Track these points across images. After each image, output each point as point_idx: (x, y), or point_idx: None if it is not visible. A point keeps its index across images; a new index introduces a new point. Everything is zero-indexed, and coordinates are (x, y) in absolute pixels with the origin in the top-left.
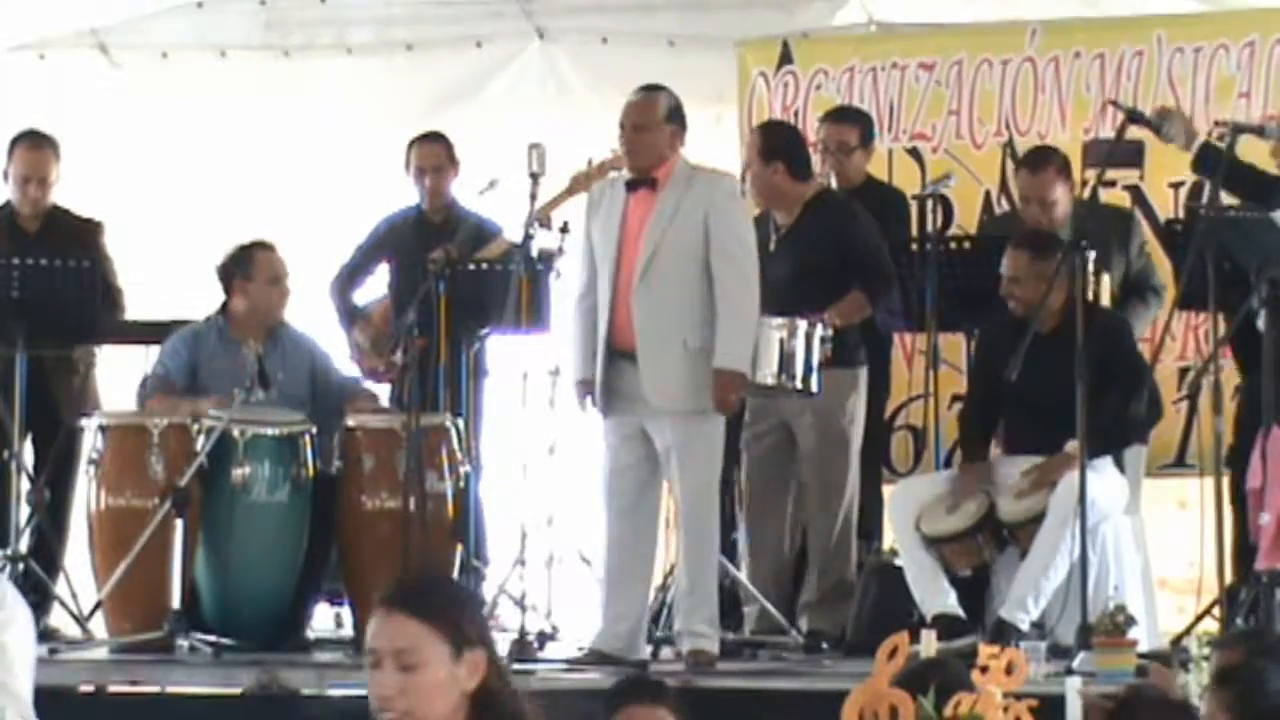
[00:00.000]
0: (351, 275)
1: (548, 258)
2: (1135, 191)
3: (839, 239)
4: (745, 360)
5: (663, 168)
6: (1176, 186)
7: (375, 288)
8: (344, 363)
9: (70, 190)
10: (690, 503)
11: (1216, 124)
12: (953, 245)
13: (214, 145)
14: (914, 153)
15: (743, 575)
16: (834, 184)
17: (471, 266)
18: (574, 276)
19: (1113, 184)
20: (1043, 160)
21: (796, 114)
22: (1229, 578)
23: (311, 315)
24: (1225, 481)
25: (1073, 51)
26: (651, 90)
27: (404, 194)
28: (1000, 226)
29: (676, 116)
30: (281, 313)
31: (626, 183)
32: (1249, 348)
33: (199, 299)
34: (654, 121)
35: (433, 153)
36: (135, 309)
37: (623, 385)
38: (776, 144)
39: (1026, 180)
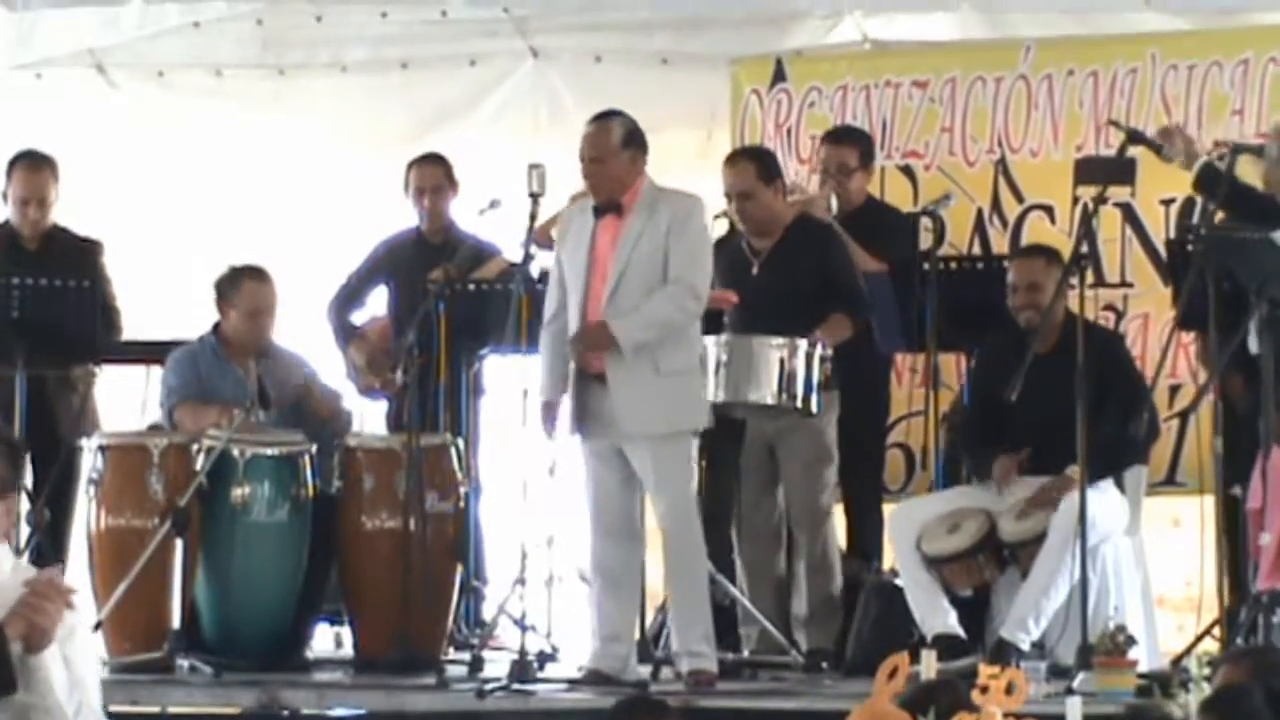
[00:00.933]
0: (349, 296)
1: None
2: (1126, 209)
3: (822, 263)
4: (625, 336)
5: (628, 193)
6: (1168, 203)
7: (373, 308)
8: (338, 381)
9: (67, 209)
10: (671, 525)
11: (1216, 144)
12: (952, 265)
13: (210, 164)
14: (907, 170)
15: (741, 594)
16: (834, 205)
17: (470, 286)
18: (545, 300)
19: (1104, 201)
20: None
21: (789, 132)
22: (1228, 598)
23: (305, 334)
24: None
25: (1066, 69)
26: (604, 119)
27: (399, 212)
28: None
29: (634, 140)
30: (262, 342)
31: (594, 208)
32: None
33: (195, 317)
34: (609, 151)
35: (432, 174)
36: (131, 327)
37: (597, 407)
38: (773, 166)
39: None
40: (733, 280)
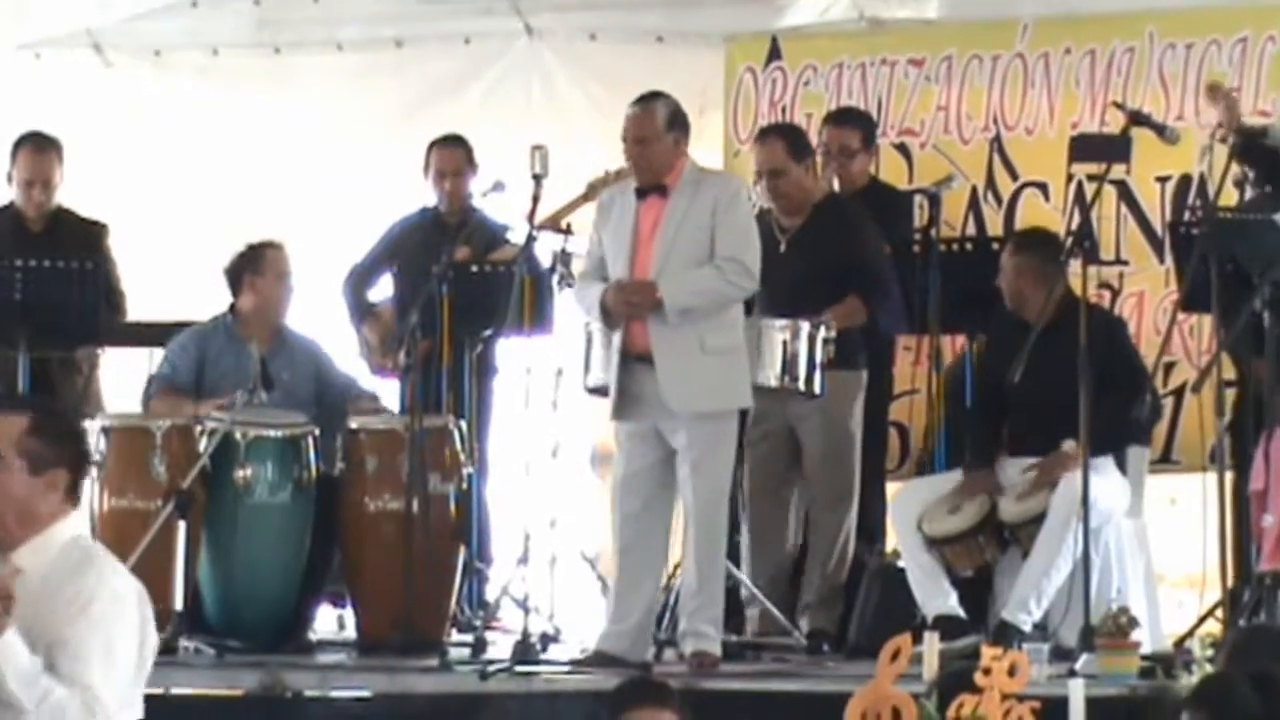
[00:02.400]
0: (365, 274)
1: (566, 260)
2: (1121, 186)
3: (847, 244)
4: (671, 297)
5: (671, 174)
6: (1163, 181)
7: (387, 286)
8: (353, 360)
9: (64, 189)
10: (702, 504)
11: (1218, 125)
12: (954, 246)
13: (206, 143)
14: (902, 148)
15: (745, 577)
16: (836, 186)
17: (475, 269)
18: (581, 270)
19: (1100, 178)
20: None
21: (784, 110)
22: (1231, 578)
23: (307, 312)
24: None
25: (1063, 47)
26: (649, 100)
27: (395, 190)
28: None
29: (678, 122)
30: (287, 310)
31: (636, 190)
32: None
33: (193, 298)
34: (655, 133)
35: (454, 156)
36: (130, 309)
37: (639, 390)
38: (803, 144)
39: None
40: (763, 259)
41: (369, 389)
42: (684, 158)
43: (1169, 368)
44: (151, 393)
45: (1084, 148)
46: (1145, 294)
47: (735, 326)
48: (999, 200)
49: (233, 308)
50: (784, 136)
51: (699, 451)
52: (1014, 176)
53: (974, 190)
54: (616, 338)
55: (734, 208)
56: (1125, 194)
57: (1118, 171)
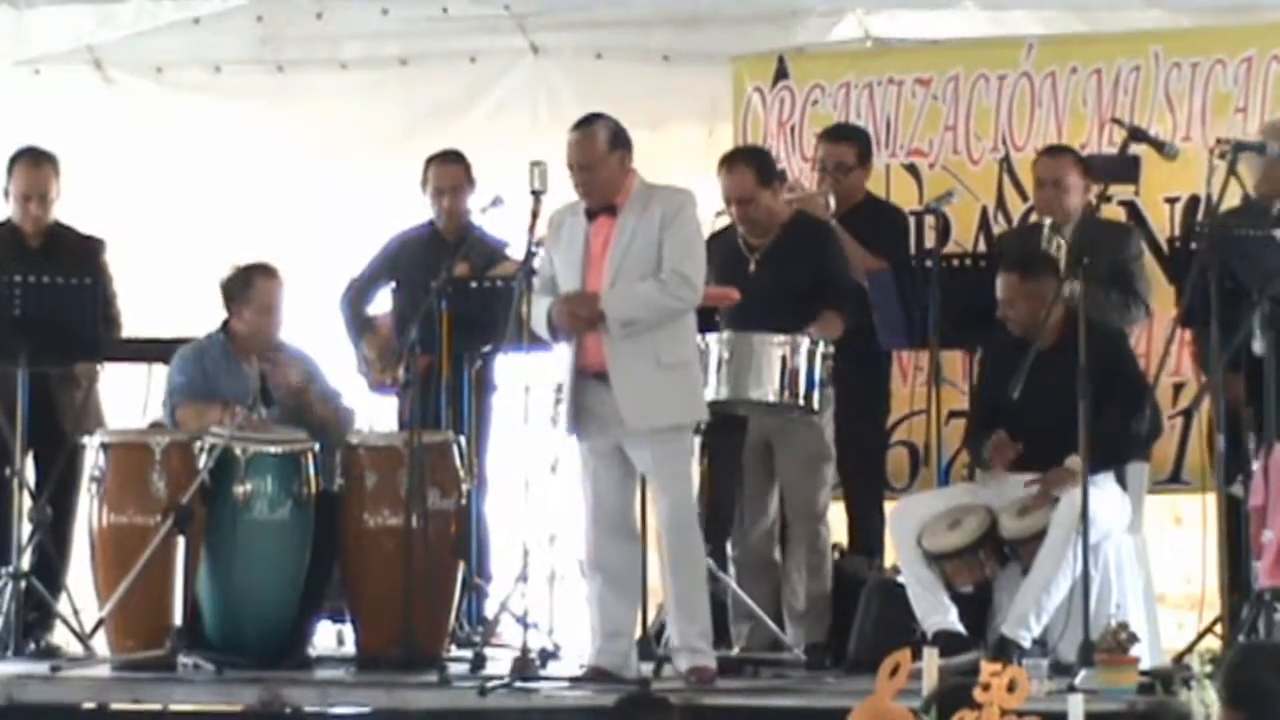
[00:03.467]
0: (363, 288)
1: None
2: (1130, 207)
3: (818, 261)
4: (612, 309)
5: (619, 193)
6: (1173, 201)
7: (385, 301)
8: (352, 375)
9: (66, 206)
10: (672, 519)
11: (1218, 142)
12: (954, 263)
13: (209, 160)
14: (911, 169)
15: (740, 590)
16: (832, 203)
17: (474, 284)
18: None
19: (1109, 199)
20: (1060, 149)
21: (793, 129)
22: (1231, 595)
23: (307, 329)
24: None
25: (1069, 67)
26: (587, 123)
27: (398, 209)
28: (1019, 238)
29: (620, 142)
30: (274, 339)
31: (585, 210)
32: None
33: (194, 314)
34: (598, 157)
35: (452, 174)
36: (130, 325)
37: (595, 406)
38: (770, 168)
39: (1044, 164)
40: (729, 277)
41: (348, 407)
42: (631, 175)
43: (1177, 388)
44: (175, 403)
45: (1093, 168)
46: (1155, 313)
47: (688, 341)
48: (1009, 220)
49: (226, 324)
50: (752, 164)
51: (662, 469)
52: (1024, 197)
53: (984, 210)
54: (569, 356)
55: (679, 221)
56: (1134, 214)
57: (1127, 191)
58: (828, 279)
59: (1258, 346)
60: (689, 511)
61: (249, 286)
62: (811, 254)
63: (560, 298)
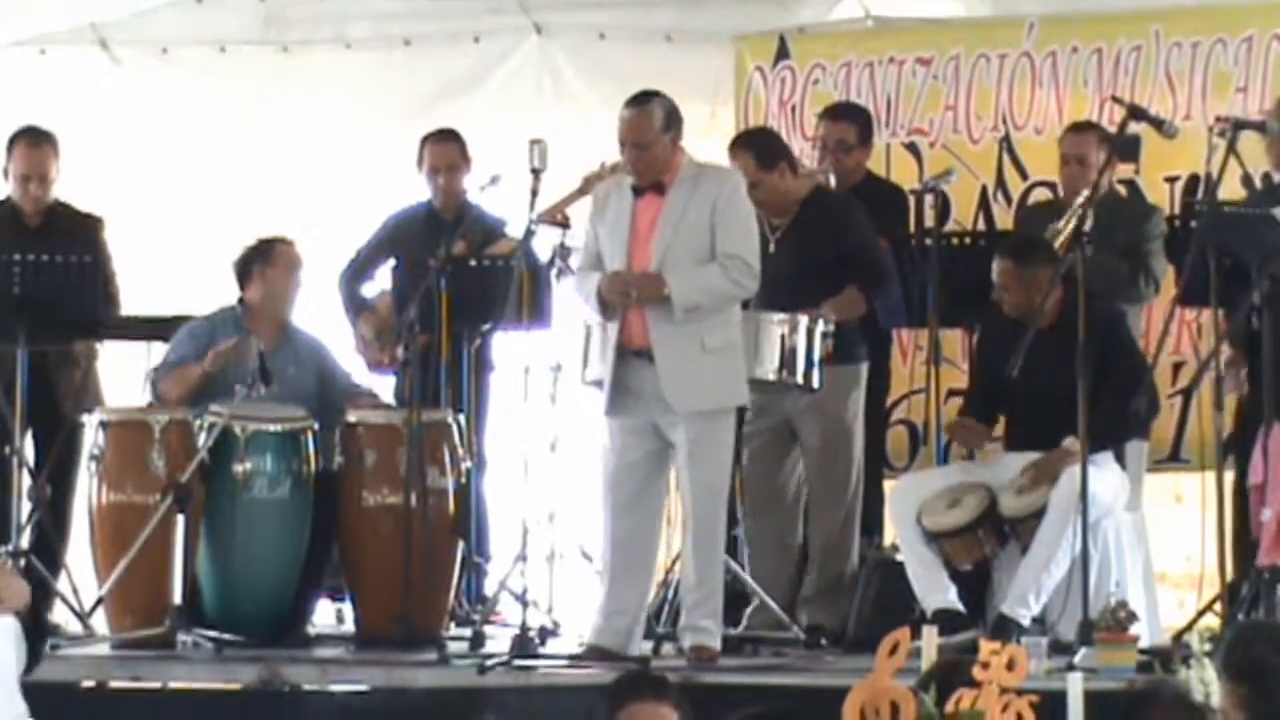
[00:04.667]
0: (361, 268)
1: (565, 254)
2: (1131, 186)
3: (838, 236)
4: (680, 293)
5: (668, 172)
6: (1172, 180)
7: (384, 281)
8: (349, 354)
9: (70, 185)
10: (700, 500)
11: (1217, 120)
12: (953, 241)
13: (213, 140)
14: (912, 148)
15: (744, 573)
16: (833, 181)
17: (473, 263)
18: (579, 263)
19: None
20: (1086, 125)
21: (794, 109)
22: (1230, 573)
23: (312, 309)
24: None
25: (1070, 46)
26: (643, 101)
27: (403, 189)
28: (1036, 217)
29: (674, 121)
30: (293, 304)
31: (633, 187)
32: (1253, 342)
33: (200, 294)
34: (653, 136)
35: (447, 152)
36: (133, 304)
37: (637, 384)
38: (773, 148)
39: (1069, 140)
40: None
41: (367, 387)
42: (680, 154)
43: (1177, 368)
44: (159, 375)
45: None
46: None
47: (733, 324)
48: (1009, 199)
49: (241, 301)
50: (751, 149)
51: (698, 448)
52: (1024, 176)
53: (984, 189)
54: (613, 332)
55: (734, 205)
56: (1135, 193)
57: (1127, 171)
58: (851, 253)
59: (1256, 322)
60: (719, 494)
61: (271, 251)
62: (832, 229)
63: (614, 276)
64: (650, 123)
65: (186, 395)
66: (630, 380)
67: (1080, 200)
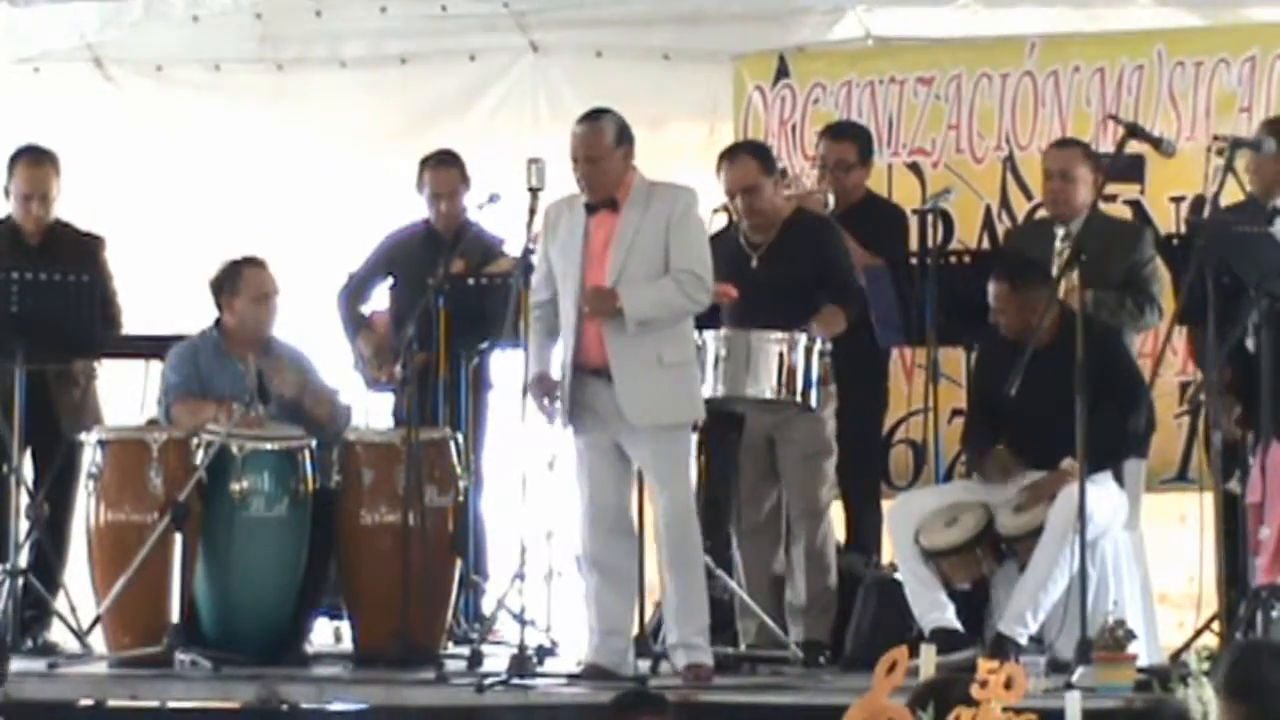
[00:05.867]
0: (359, 287)
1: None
2: (1136, 206)
3: (819, 256)
4: (632, 306)
5: (620, 189)
6: (1178, 200)
7: (382, 298)
8: (349, 372)
9: (65, 204)
10: (671, 517)
11: (1215, 139)
12: (952, 260)
13: (208, 158)
14: (914, 168)
15: (739, 588)
16: (832, 200)
17: (471, 281)
18: (533, 293)
19: (1113, 198)
20: (1070, 141)
21: (794, 128)
22: (1229, 592)
23: (307, 327)
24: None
25: (1072, 66)
26: (595, 117)
27: (398, 208)
28: (1028, 237)
29: (625, 137)
30: (269, 328)
31: (585, 205)
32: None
33: (193, 312)
34: (605, 151)
35: (447, 179)
36: (130, 322)
37: (594, 402)
38: (772, 159)
39: (1052, 156)
40: (731, 274)
41: (345, 404)
42: (632, 171)
43: (1184, 387)
44: (170, 401)
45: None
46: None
47: (689, 340)
48: (1013, 220)
49: (218, 321)
50: (755, 154)
51: (661, 466)
52: (1028, 196)
53: (988, 209)
54: (570, 352)
55: (686, 221)
56: (1140, 214)
57: (1132, 191)
58: (830, 274)
59: (1251, 343)
60: (688, 509)
61: (238, 278)
62: (813, 249)
63: (582, 298)
64: (601, 137)
65: (198, 428)
66: (588, 398)
67: (1075, 224)
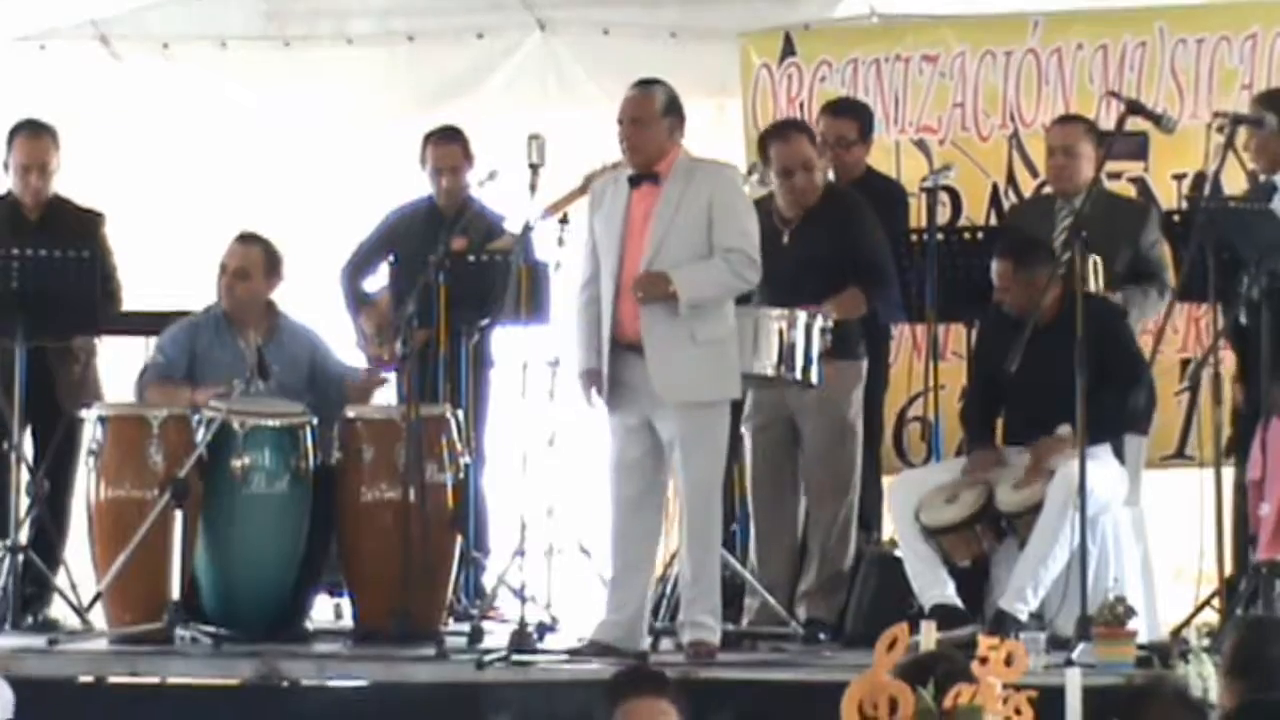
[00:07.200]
0: (361, 263)
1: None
2: (1139, 183)
3: (849, 235)
4: (685, 289)
5: (664, 161)
6: (1180, 178)
7: (385, 276)
8: (349, 349)
9: (71, 181)
10: (694, 494)
11: (1216, 115)
12: (954, 237)
13: (214, 136)
14: (920, 145)
15: (742, 567)
16: (832, 177)
17: (472, 258)
18: (577, 269)
19: (1117, 176)
20: (1072, 118)
21: (801, 106)
22: (1229, 568)
23: (312, 304)
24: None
25: (1075, 43)
26: (648, 84)
27: (406, 185)
28: (1030, 213)
29: (674, 109)
30: (249, 305)
31: (630, 178)
32: (1243, 339)
33: (198, 290)
34: (651, 116)
35: (450, 153)
36: (134, 300)
37: (629, 378)
38: (815, 137)
39: (1054, 132)
40: (762, 249)
41: (363, 367)
42: (677, 147)
43: (1184, 364)
44: (146, 380)
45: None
46: None
47: (725, 317)
48: (1020, 196)
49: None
50: (806, 132)
51: (690, 442)
52: (1034, 173)
53: (994, 187)
54: (606, 326)
55: (731, 198)
56: (1144, 191)
57: (1135, 169)
58: (858, 254)
59: (1244, 317)
60: (713, 489)
61: (224, 263)
62: (843, 228)
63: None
64: (651, 102)
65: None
66: (624, 374)
67: (1079, 200)
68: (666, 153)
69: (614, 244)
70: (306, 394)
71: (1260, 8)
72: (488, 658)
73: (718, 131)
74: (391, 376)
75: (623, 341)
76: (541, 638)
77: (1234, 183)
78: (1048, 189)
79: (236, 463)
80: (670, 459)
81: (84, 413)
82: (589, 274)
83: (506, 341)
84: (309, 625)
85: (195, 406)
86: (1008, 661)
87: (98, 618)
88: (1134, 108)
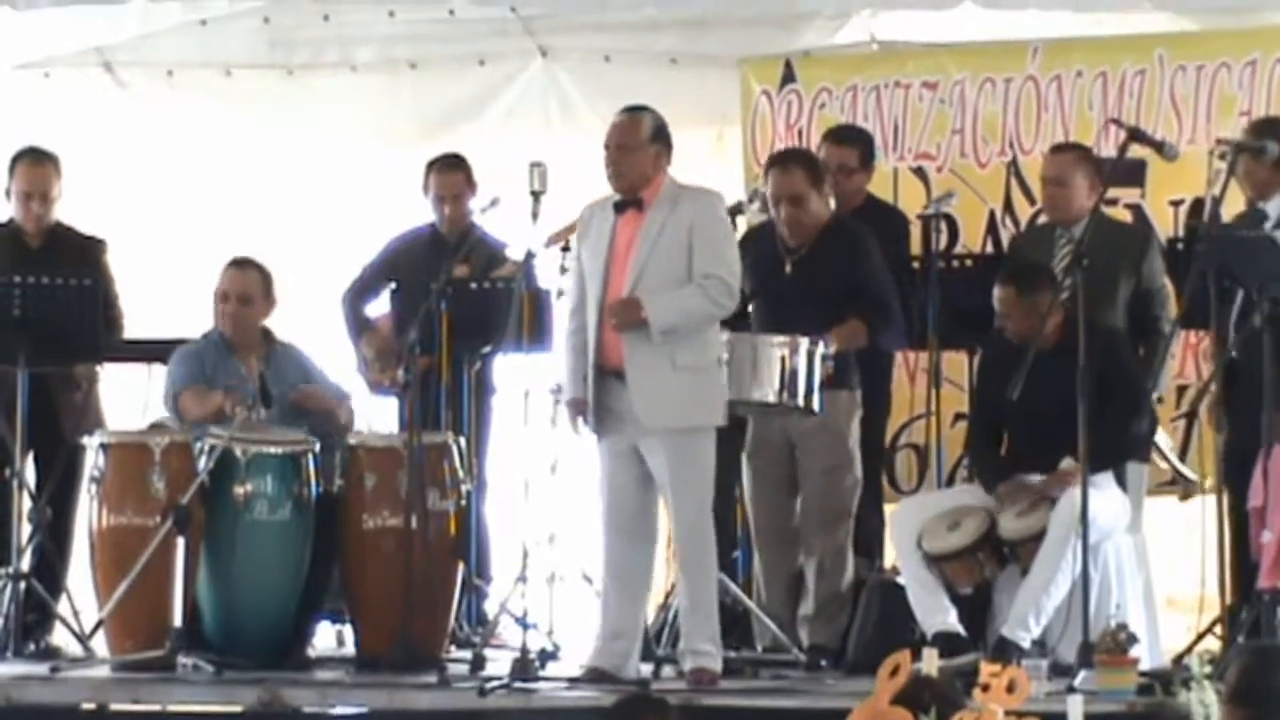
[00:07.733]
0: (363, 289)
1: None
2: (1137, 210)
3: (853, 268)
4: (656, 316)
5: (649, 188)
6: (1177, 204)
7: (386, 302)
8: (350, 374)
9: (75, 208)
10: (684, 524)
11: (1218, 142)
12: (954, 264)
13: (218, 163)
14: (919, 172)
15: (743, 594)
16: (832, 204)
17: (474, 285)
18: (567, 298)
19: (1114, 202)
20: (1066, 146)
21: (800, 133)
22: (1229, 596)
23: (314, 330)
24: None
25: (1074, 70)
26: (635, 111)
27: (408, 212)
28: (1030, 240)
29: (661, 136)
30: (243, 330)
31: (615, 204)
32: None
33: (200, 317)
34: (638, 142)
35: (453, 182)
36: (137, 326)
37: (614, 404)
38: (820, 170)
39: (1049, 161)
40: (763, 276)
41: (346, 396)
42: (663, 174)
43: (1181, 391)
44: (177, 391)
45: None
46: None
47: (711, 344)
48: (1017, 224)
49: None
50: (804, 164)
51: (676, 470)
52: (1031, 200)
53: (992, 214)
54: (591, 353)
55: (712, 224)
56: (1140, 217)
57: (1132, 195)
58: (863, 287)
59: (1234, 343)
60: (703, 515)
61: (219, 290)
62: (848, 259)
63: (607, 310)
64: (637, 128)
65: (205, 418)
66: (609, 400)
67: (1078, 228)
68: (651, 179)
69: (598, 270)
70: (300, 416)
71: (1259, 35)
72: (490, 685)
73: (717, 158)
74: (393, 403)
75: (608, 368)
76: (544, 665)
77: (1231, 209)
78: (1044, 217)
79: (239, 490)
80: (654, 487)
81: (86, 440)
82: (576, 302)
83: (508, 368)
84: (311, 652)
85: (223, 416)
86: (1010, 689)
87: (100, 645)
88: (1136, 135)
